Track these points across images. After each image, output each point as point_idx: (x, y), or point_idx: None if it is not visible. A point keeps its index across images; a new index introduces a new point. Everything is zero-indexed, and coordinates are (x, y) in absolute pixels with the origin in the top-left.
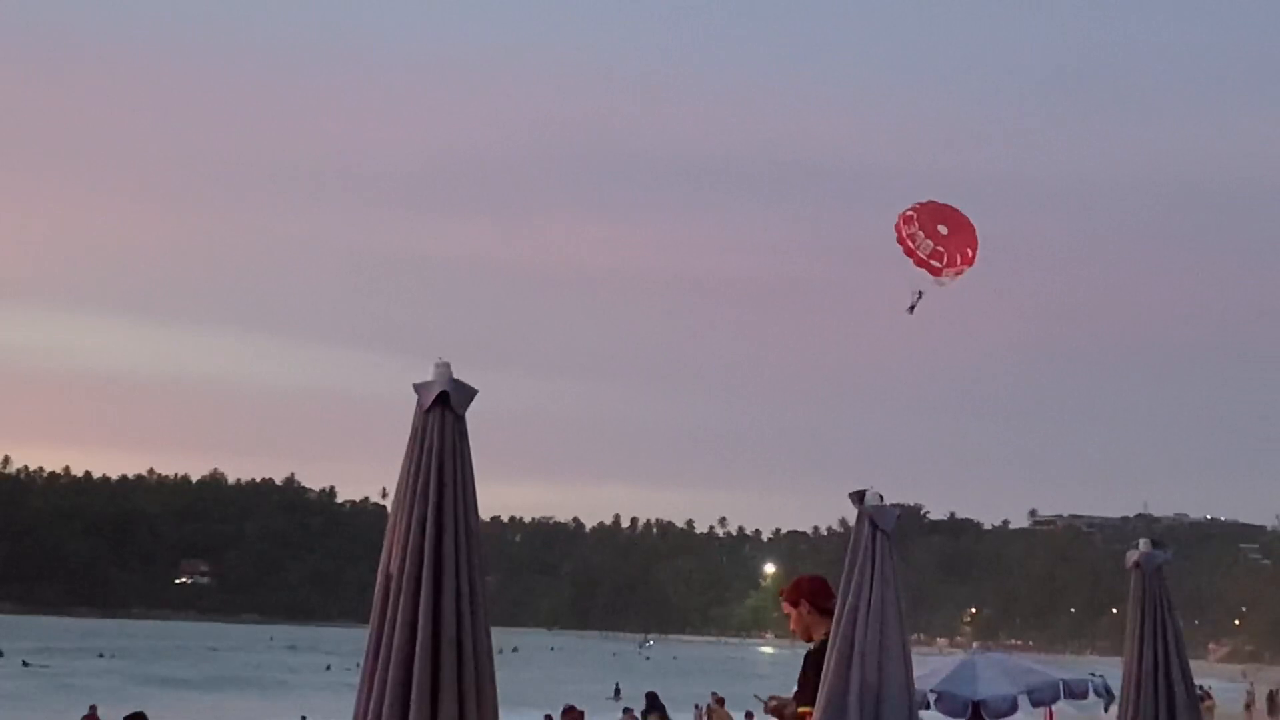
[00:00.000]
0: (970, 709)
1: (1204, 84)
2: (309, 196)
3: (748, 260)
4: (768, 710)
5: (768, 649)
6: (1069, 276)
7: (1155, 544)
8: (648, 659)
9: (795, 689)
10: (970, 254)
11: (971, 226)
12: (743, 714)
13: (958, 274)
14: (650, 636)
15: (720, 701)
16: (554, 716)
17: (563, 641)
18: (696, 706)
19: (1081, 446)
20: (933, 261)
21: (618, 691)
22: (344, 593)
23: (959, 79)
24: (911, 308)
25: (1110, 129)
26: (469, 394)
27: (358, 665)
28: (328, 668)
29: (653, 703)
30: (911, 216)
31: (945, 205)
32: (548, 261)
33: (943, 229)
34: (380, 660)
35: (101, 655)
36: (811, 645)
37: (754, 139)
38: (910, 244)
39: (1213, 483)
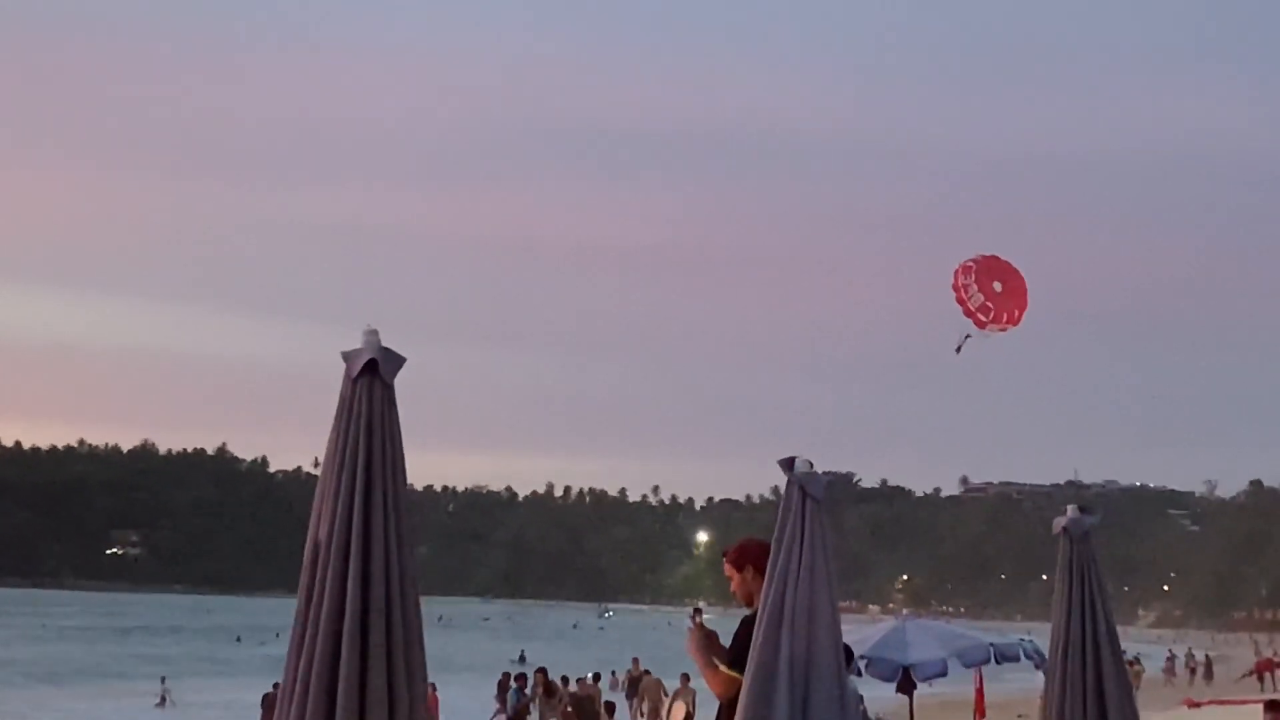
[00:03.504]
0: (900, 673)
1: (1112, 58)
2: (239, 167)
3: (679, 230)
4: (693, 627)
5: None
6: (998, 246)
7: (1083, 509)
8: (571, 627)
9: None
10: (1017, 315)
11: (1025, 289)
12: (678, 678)
13: (1001, 330)
14: (609, 607)
15: (647, 672)
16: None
17: (496, 610)
18: (613, 674)
19: (1012, 414)
20: (980, 315)
21: (522, 657)
22: (276, 563)
23: (884, 50)
24: (959, 348)
25: (1030, 101)
26: (397, 362)
27: (277, 636)
28: (238, 639)
29: (546, 678)
30: (970, 267)
31: (1006, 263)
32: (478, 232)
33: (997, 286)
34: (309, 628)
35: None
36: (748, 611)
37: (686, 109)
38: (963, 294)
39: (1142, 450)
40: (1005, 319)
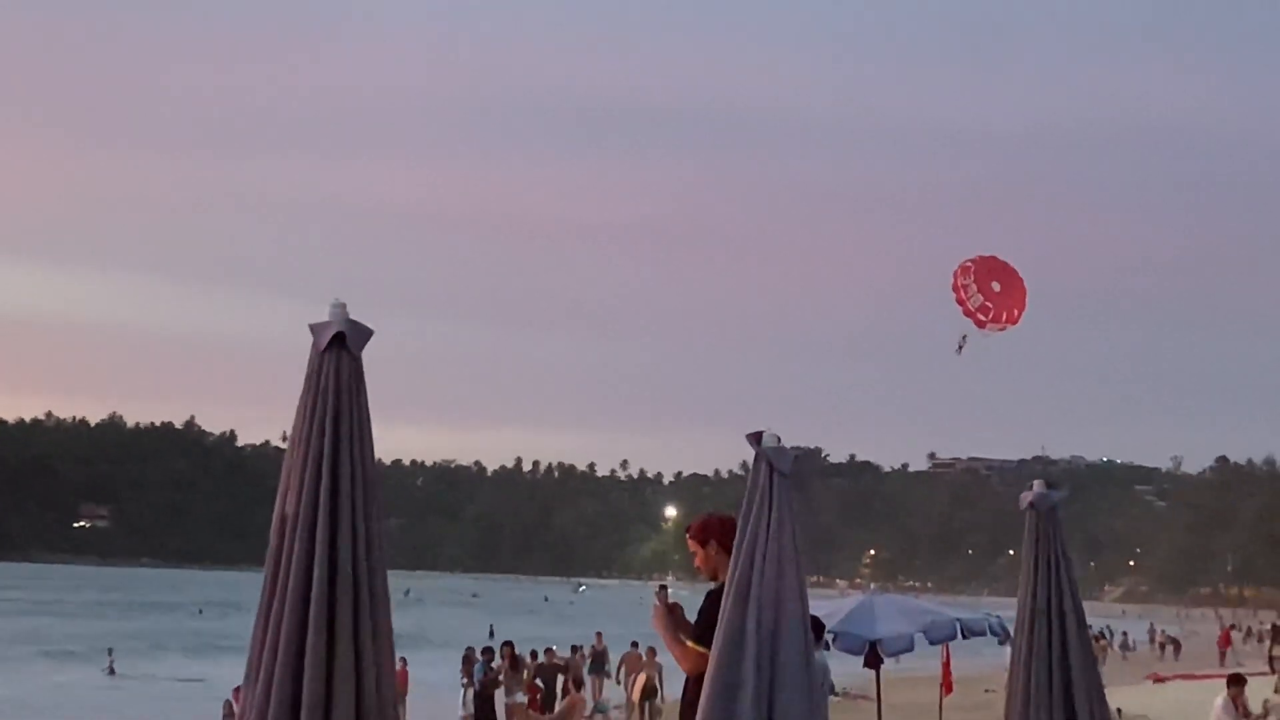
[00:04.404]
0: (867, 648)
1: (1080, 34)
2: (206, 139)
3: (647, 205)
4: (658, 603)
5: (669, 592)
6: (960, 221)
7: (1050, 484)
8: (542, 600)
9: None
10: (1016, 314)
11: (1023, 288)
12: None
13: (1001, 329)
14: (582, 582)
15: (634, 644)
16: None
17: (465, 584)
18: (580, 648)
19: (979, 390)
20: (979, 315)
21: (492, 632)
22: (245, 536)
23: (868, 29)
24: (960, 348)
25: (999, 78)
26: (365, 334)
27: (240, 609)
28: (200, 611)
29: (513, 652)
30: (970, 268)
31: (1004, 263)
32: (447, 205)
33: (996, 286)
34: (276, 601)
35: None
36: (713, 586)
37: (658, 83)
38: (963, 294)
39: (1109, 425)
40: (1005, 318)
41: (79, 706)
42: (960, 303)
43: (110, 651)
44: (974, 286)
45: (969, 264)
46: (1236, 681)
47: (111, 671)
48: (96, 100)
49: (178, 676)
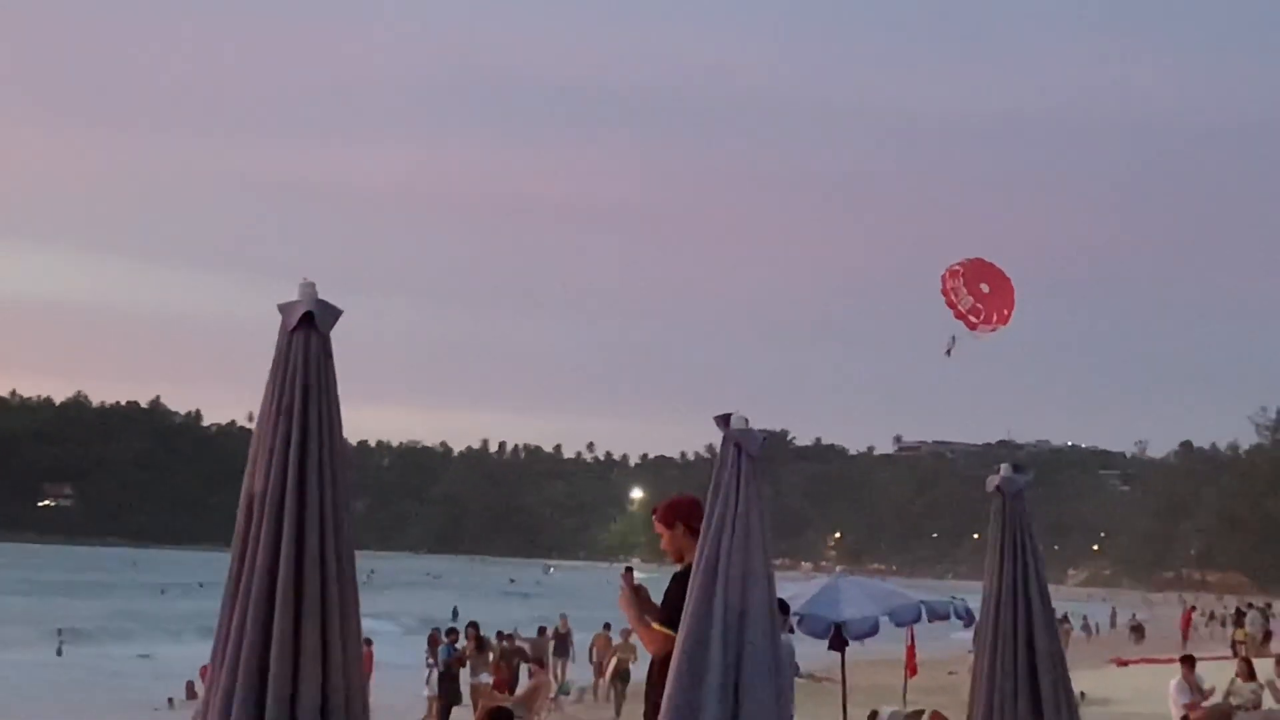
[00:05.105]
0: (832, 630)
1: (1029, 20)
2: (176, 119)
3: (616, 187)
4: (625, 585)
5: (635, 574)
6: (928, 207)
7: (1016, 468)
8: (508, 582)
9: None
10: (1006, 314)
11: (1011, 288)
12: (612, 630)
13: (992, 330)
14: (550, 564)
15: (607, 626)
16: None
17: (430, 565)
18: (545, 629)
19: (945, 374)
20: (970, 316)
21: (455, 613)
22: (210, 516)
23: (814, 11)
24: (948, 351)
25: (953, 63)
26: (334, 314)
27: (199, 585)
28: (163, 591)
29: (478, 633)
30: (958, 270)
31: (991, 265)
32: (414, 186)
33: (985, 287)
34: (243, 580)
35: None
36: (679, 568)
37: (629, 66)
38: (952, 297)
39: (1074, 410)
40: (995, 319)
41: (16, 686)
42: (950, 305)
43: (60, 632)
44: (963, 289)
45: (957, 267)
46: (1187, 662)
47: (59, 652)
48: (63, 78)
49: (130, 656)
